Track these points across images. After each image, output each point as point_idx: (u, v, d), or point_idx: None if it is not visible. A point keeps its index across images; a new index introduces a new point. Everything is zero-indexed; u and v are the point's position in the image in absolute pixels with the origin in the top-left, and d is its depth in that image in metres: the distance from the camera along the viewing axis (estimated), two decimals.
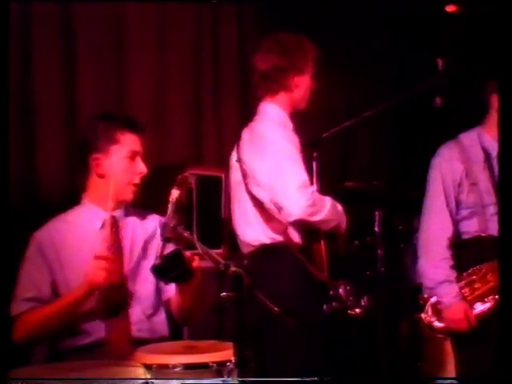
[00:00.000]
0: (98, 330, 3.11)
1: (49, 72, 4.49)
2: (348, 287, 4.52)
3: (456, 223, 3.95)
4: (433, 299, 3.92)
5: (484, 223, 3.90)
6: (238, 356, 2.52)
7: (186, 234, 2.73)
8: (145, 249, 3.22)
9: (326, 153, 4.12)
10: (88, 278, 2.99)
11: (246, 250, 3.79)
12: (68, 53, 4.59)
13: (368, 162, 5.78)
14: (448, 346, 4.34)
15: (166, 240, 2.79)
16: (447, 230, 3.93)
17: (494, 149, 3.91)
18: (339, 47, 5.33)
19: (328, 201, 3.67)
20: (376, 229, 4.37)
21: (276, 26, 5.05)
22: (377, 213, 4.36)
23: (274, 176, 3.59)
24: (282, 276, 3.63)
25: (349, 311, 4.51)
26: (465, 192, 3.95)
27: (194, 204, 2.77)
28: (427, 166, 4.08)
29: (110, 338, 3.10)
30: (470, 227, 3.94)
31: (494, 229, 3.79)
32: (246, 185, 3.72)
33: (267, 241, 3.69)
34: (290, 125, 3.81)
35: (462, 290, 3.86)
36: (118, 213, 3.25)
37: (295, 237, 3.69)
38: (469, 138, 4.05)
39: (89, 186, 3.27)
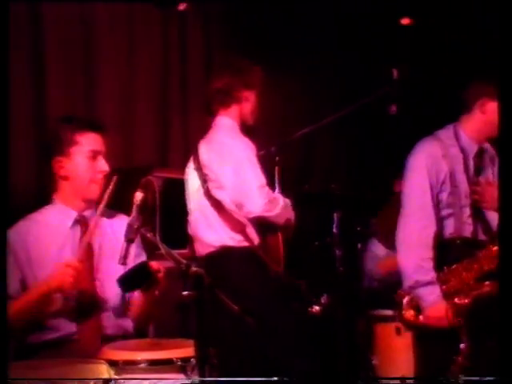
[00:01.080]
0: (67, 325, 3.06)
1: (18, 74, 4.43)
2: (308, 286, 4.54)
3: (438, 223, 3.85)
4: (407, 297, 3.81)
5: (460, 225, 3.84)
6: (199, 353, 2.51)
7: (149, 235, 2.72)
8: (113, 248, 3.17)
9: (288, 157, 4.17)
10: (53, 280, 2.95)
11: (205, 250, 3.94)
12: (37, 55, 4.56)
13: (328, 166, 5.77)
14: (397, 343, 4.38)
15: (129, 241, 2.76)
16: (431, 229, 3.78)
17: (471, 149, 3.87)
18: (304, 61, 5.35)
19: (280, 198, 3.93)
20: (334, 230, 4.34)
21: (239, 34, 5.09)
22: (335, 215, 4.33)
23: (235, 178, 3.86)
24: (243, 276, 3.74)
25: (309, 309, 4.53)
26: (446, 192, 3.84)
27: (157, 206, 2.74)
28: (383, 169, 4.09)
29: (80, 335, 3.06)
30: (447, 229, 3.85)
31: (468, 231, 3.80)
32: (207, 189, 3.92)
33: (228, 240, 3.88)
34: (241, 133, 4.03)
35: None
36: (89, 212, 3.20)
37: (253, 235, 3.89)
38: (447, 135, 3.93)
39: (58, 188, 3.22)
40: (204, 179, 3.93)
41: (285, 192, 4.05)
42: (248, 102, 4.05)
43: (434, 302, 3.73)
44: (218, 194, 3.90)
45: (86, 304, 3.07)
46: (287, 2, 5.17)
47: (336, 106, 4.52)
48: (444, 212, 3.84)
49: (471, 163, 3.88)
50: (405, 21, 5.50)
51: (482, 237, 3.83)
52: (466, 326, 3.66)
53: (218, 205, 3.88)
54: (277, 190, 4.00)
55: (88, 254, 3.09)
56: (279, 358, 3.64)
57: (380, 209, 4.99)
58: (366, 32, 5.41)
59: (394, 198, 4.80)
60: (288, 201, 3.98)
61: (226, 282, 3.46)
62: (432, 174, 3.82)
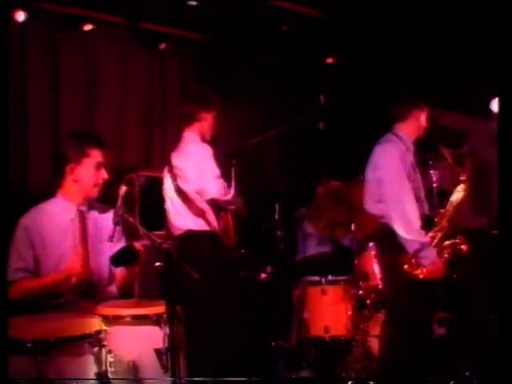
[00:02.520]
0: (68, 294, 3.04)
1: (39, 99, 4.44)
2: (257, 259, 4.55)
3: None
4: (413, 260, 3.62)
5: (421, 204, 3.79)
6: (169, 310, 2.50)
7: (130, 219, 2.71)
8: (104, 234, 3.15)
9: (242, 160, 4.13)
10: (67, 267, 2.99)
11: (176, 232, 4.02)
12: (54, 85, 4.53)
13: (273, 168, 5.76)
14: (322, 301, 4.37)
15: (116, 224, 2.76)
16: (415, 206, 3.66)
17: (411, 147, 3.82)
18: (255, 89, 5.35)
19: (232, 189, 4.01)
20: (276, 216, 4.34)
21: (207, 69, 5.08)
22: (277, 205, 4.34)
23: (197, 172, 3.96)
24: (203, 252, 3.80)
25: (257, 276, 4.54)
26: (411, 179, 3.72)
27: (137, 197, 2.72)
28: (314, 170, 4.08)
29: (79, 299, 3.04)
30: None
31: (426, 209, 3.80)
32: (176, 185, 4.00)
33: (191, 224, 3.96)
34: (200, 141, 4.12)
35: None
36: (84, 207, 3.19)
37: (212, 220, 4.01)
38: (396, 137, 3.83)
39: (63, 186, 3.19)
40: (174, 178, 4.01)
41: (240, 187, 4.05)
42: (206, 121, 4.12)
43: (434, 260, 3.62)
44: (184, 187, 3.99)
45: (87, 290, 3.06)
46: (241, 44, 5.15)
47: (278, 122, 4.49)
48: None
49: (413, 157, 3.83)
50: (329, 60, 5.56)
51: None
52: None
53: (184, 196, 3.95)
54: (233, 185, 4.01)
55: (84, 239, 3.09)
56: (229, 313, 3.64)
57: (311, 200, 4.99)
58: (301, 68, 5.42)
59: (319, 193, 4.82)
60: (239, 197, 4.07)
61: (192, 256, 3.47)
62: (403, 164, 3.70)
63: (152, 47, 4.99)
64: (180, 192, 3.97)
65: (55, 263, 3.05)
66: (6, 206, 2.42)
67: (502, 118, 2.42)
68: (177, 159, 4.10)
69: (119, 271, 3.19)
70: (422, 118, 3.84)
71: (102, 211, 3.23)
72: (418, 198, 3.73)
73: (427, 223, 3.74)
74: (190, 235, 3.92)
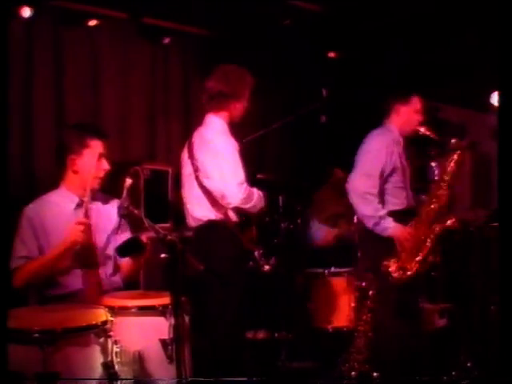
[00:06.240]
0: (74, 283, 3.04)
1: (44, 93, 4.43)
2: (261, 251, 4.53)
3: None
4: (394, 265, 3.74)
5: (408, 195, 3.91)
6: (173, 301, 2.50)
7: (136, 212, 2.71)
8: (107, 224, 3.16)
9: (244, 154, 4.11)
10: (69, 236, 2.96)
11: (195, 223, 3.70)
12: (59, 79, 4.53)
13: (276, 161, 5.73)
14: (325, 292, 4.38)
15: (122, 216, 2.77)
16: (375, 189, 3.79)
17: (400, 140, 3.93)
18: (260, 83, 5.31)
19: (255, 192, 3.66)
20: (281, 209, 4.35)
21: (206, 63, 5.07)
22: (281, 197, 4.35)
23: (219, 172, 3.57)
24: (220, 243, 3.60)
25: (261, 268, 4.53)
26: (398, 169, 3.86)
27: (142, 190, 2.72)
28: (316, 164, 4.08)
29: (85, 289, 3.04)
30: (400, 199, 3.89)
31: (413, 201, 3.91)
32: (197, 176, 3.64)
33: (212, 217, 3.63)
34: (229, 133, 3.70)
35: None
36: (87, 197, 3.15)
37: (232, 215, 3.65)
38: (387, 130, 3.95)
39: (66, 177, 3.18)
40: (195, 168, 3.63)
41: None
42: (236, 110, 3.70)
43: (395, 227, 3.75)
44: (205, 182, 3.62)
45: (89, 256, 3.05)
46: (244, 39, 5.13)
47: (280, 116, 4.50)
48: (397, 184, 3.86)
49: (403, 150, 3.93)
50: (331, 54, 5.53)
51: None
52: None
53: (205, 190, 3.62)
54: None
55: (88, 228, 3.04)
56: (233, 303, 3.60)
57: (314, 193, 4.99)
58: (304, 62, 5.41)
59: (325, 186, 4.82)
60: (261, 193, 3.72)
61: (209, 248, 3.48)
62: (388, 154, 3.81)
63: (156, 42, 4.97)
64: (200, 184, 3.64)
65: None
66: (9, 198, 2.42)
67: (502, 112, 2.41)
68: (197, 147, 3.67)
69: (125, 262, 3.18)
70: (410, 112, 3.91)
71: (105, 202, 3.23)
72: (401, 189, 3.86)
73: (408, 214, 3.84)
74: (210, 225, 3.62)
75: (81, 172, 3.12)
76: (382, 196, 3.85)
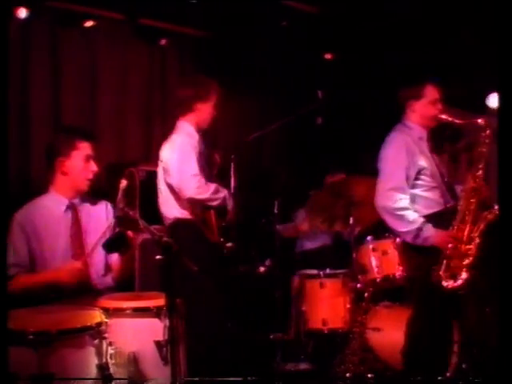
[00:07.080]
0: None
1: (41, 95, 4.42)
2: (256, 252, 4.54)
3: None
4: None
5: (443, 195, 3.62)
6: (168, 302, 2.49)
7: (131, 213, 2.70)
8: (97, 226, 3.17)
9: (240, 155, 4.11)
10: (62, 275, 3.00)
11: (167, 222, 3.91)
12: (55, 81, 4.51)
13: (271, 161, 5.72)
14: (320, 294, 4.34)
15: (117, 218, 2.75)
16: (403, 200, 3.54)
17: (423, 134, 3.70)
18: (257, 84, 5.34)
19: (212, 186, 3.82)
20: (275, 211, 4.37)
21: (203, 64, 5.07)
22: (276, 201, 4.38)
23: (177, 168, 3.79)
24: (187, 239, 3.69)
25: (256, 270, 4.54)
26: (425, 170, 3.59)
27: (137, 191, 2.71)
28: (312, 167, 4.07)
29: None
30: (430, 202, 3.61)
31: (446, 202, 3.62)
32: (164, 177, 3.87)
33: (178, 214, 3.84)
34: (196, 135, 3.91)
35: None
36: (76, 200, 3.21)
37: (196, 212, 3.84)
38: (407, 128, 3.71)
39: (55, 180, 3.20)
40: (163, 170, 3.87)
41: (239, 180, 3.98)
42: (202, 112, 3.91)
43: (435, 235, 3.47)
44: (168, 179, 3.84)
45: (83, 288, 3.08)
46: (240, 40, 5.13)
47: (277, 117, 4.51)
48: (428, 184, 3.60)
49: (427, 145, 3.69)
50: (328, 55, 5.52)
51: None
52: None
53: (170, 188, 3.82)
54: (232, 179, 3.92)
55: (78, 231, 3.10)
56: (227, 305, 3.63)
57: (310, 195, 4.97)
58: (300, 63, 5.40)
59: (320, 191, 4.81)
60: (224, 190, 3.86)
61: (180, 244, 3.46)
62: (409, 155, 3.58)
63: (152, 43, 4.97)
64: (166, 183, 3.86)
65: (50, 256, 3.07)
66: (7, 202, 2.42)
67: (502, 114, 2.38)
68: (164, 151, 3.93)
69: (115, 262, 3.20)
70: (426, 105, 3.68)
71: (94, 203, 3.26)
72: (434, 188, 3.60)
73: (448, 214, 3.55)
74: (178, 223, 3.83)
75: (70, 174, 3.15)
76: (414, 203, 3.57)
